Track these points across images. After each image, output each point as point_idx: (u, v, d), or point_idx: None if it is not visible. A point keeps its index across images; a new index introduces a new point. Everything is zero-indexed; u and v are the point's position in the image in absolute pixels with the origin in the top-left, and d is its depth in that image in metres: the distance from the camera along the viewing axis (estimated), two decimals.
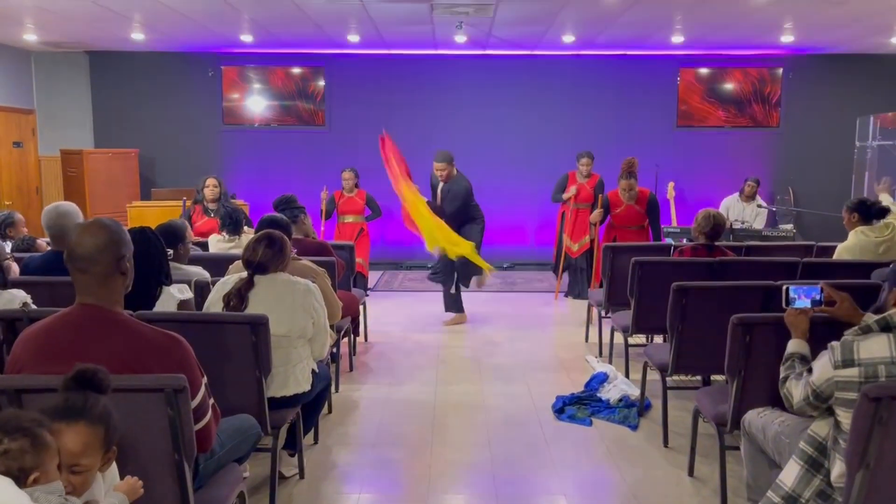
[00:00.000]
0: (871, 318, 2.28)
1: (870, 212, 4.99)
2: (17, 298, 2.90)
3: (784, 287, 2.68)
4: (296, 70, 9.62)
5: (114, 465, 1.88)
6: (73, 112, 9.62)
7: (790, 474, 2.30)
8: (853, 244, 5.00)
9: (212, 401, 2.25)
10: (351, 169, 7.76)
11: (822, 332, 2.65)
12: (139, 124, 9.56)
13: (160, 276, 2.95)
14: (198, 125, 9.59)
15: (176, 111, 9.56)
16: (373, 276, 8.92)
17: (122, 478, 1.94)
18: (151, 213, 7.29)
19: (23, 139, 9.27)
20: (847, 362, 2.17)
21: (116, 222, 2.17)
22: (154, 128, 9.56)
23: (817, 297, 2.66)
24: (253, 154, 9.65)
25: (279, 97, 9.66)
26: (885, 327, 2.19)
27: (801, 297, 2.66)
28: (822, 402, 2.25)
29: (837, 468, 2.18)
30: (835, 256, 5.13)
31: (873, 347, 2.16)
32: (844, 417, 2.16)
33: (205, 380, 2.20)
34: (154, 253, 2.92)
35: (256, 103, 9.65)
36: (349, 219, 7.69)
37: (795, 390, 2.35)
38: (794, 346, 2.56)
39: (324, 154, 9.63)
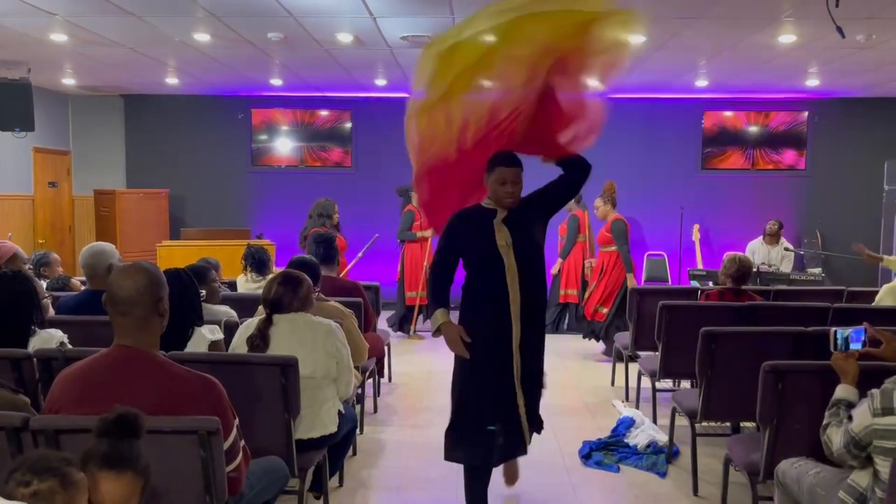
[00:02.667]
0: None
1: None
2: (54, 338, 2.96)
3: (832, 330, 2.65)
4: (323, 112, 9.81)
5: None
6: (107, 153, 9.88)
7: None
8: None
9: (243, 443, 2.27)
10: None
11: (873, 381, 2.60)
12: (170, 165, 9.78)
13: (193, 317, 2.99)
14: (227, 166, 9.79)
15: (206, 152, 9.77)
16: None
17: None
18: (181, 253, 7.41)
19: (58, 179, 9.52)
20: (886, 410, 2.14)
21: (154, 265, 2.22)
22: (184, 168, 9.77)
23: (864, 340, 2.63)
24: (280, 195, 9.80)
25: (306, 139, 9.84)
26: None
27: (849, 340, 2.63)
28: (860, 451, 2.22)
29: None
30: (879, 296, 5.06)
31: None
32: (883, 466, 2.12)
33: (237, 422, 2.22)
34: (188, 294, 2.97)
35: (284, 145, 9.84)
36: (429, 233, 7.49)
37: (835, 437, 2.32)
38: (842, 391, 2.52)
39: (351, 195, 9.73)
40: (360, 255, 7.43)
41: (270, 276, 5.00)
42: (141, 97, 9.72)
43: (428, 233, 7.51)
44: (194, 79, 8.45)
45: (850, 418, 2.30)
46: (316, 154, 9.87)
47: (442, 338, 3.27)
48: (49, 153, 9.30)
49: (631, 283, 6.57)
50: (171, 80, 8.54)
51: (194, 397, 2.09)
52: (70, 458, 1.64)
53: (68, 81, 8.67)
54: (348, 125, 9.80)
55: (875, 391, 2.20)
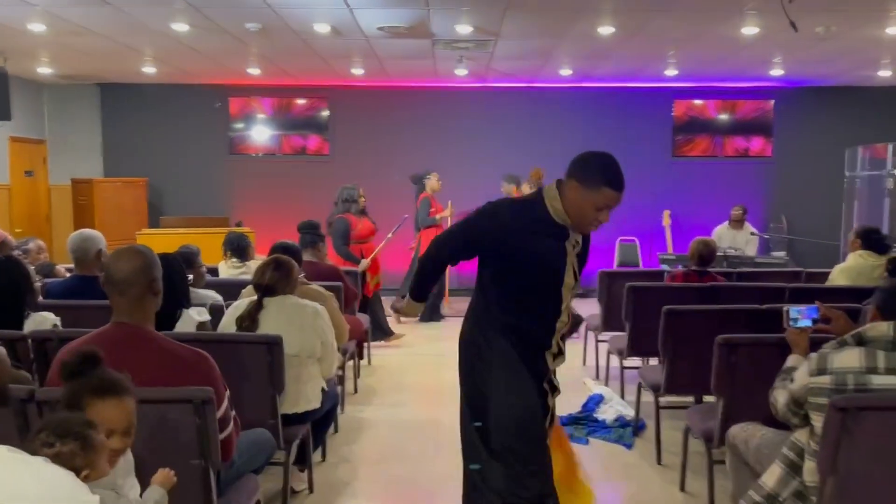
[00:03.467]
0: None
1: (873, 242, 5.12)
2: (47, 320, 3.09)
3: (785, 308, 2.87)
4: (300, 101, 9.90)
5: (129, 454, 1.99)
6: (83, 141, 9.90)
7: (772, 476, 2.48)
8: (851, 265, 5.17)
9: (233, 413, 2.43)
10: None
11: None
12: (147, 154, 9.83)
13: (182, 299, 3.14)
14: (205, 154, 9.86)
15: (183, 141, 9.83)
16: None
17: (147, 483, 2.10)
18: (161, 241, 7.49)
19: (34, 168, 9.52)
20: (821, 370, 2.37)
21: (148, 248, 2.37)
22: (162, 157, 9.82)
23: (816, 317, 2.85)
24: (258, 182, 9.90)
25: (284, 127, 9.94)
26: (860, 342, 2.37)
27: (802, 317, 2.85)
28: (799, 409, 2.44)
29: (809, 469, 2.36)
30: (831, 276, 5.31)
31: (845, 359, 2.35)
32: (817, 422, 2.34)
33: (227, 393, 2.39)
34: (176, 278, 3.11)
35: (262, 133, 9.93)
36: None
37: (780, 397, 2.54)
38: (792, 361, 2.74)
39: (328, 183, 9.84)
40: (388, 236, 7.50)
41: (258, 261, 5.17)
42: (117, 86, 9.74)
43: (447, 212, 7.83)
44: (172, 67, 8.50)
45: (792, 380, 2.52)
46: (293, 142, 9.97)
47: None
48: (24, 142, 9.31)
49: None
50: (148, 69, 8.58)
51: (188, 369, 2.25)
52: (91, 421, 1.78)
53: (44, 70, 8.68)
54: (325, 113, 9.91)
55: (813, 355, 2.43)
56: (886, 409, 2.23)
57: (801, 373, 2.44)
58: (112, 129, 9.88)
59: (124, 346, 2.23)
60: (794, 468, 2.45)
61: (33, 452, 1.60)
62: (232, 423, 2.40)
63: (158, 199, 9.87)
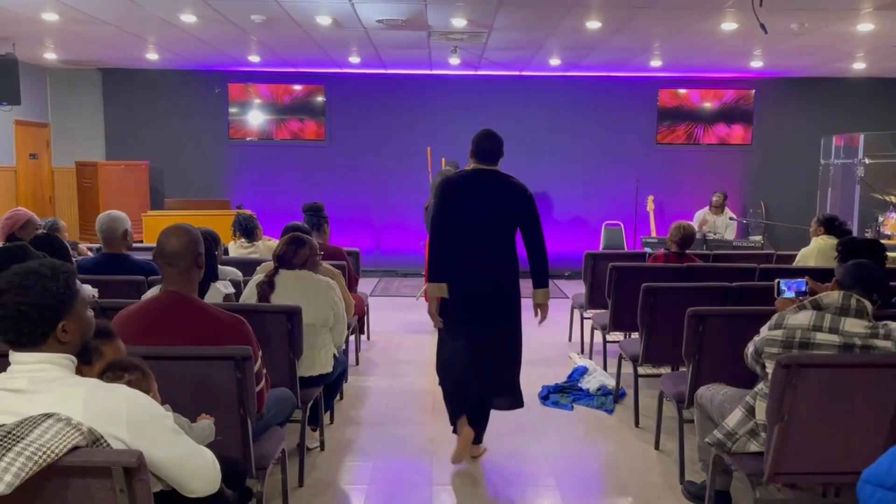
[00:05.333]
0: None
1: (834, 227, 5.59)
2: (86, 292, 3.42)
3: (776, 281, 3.26)
4: (298, 87, 10.19)
5: None
6: (86, 125, 10.15)
7: (733, 419, 2.90)
8: (813, 248, 5.61)
9: (265, 370, 2.80)
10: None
11: None
12: (149, 138, 10.10)
13: (210, 273, 3.49)
14: (205, 139, 10.15)
15: (184, 125, 10.11)
16: (370, 283, 9.49)
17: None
18: (165, 223, 7.76)
19: (38, 151, 9.78)
20: (777, 325, 2.81)
21: (193, 226, 2.72)
22: (163, 141, 10.10)
23: (803, 289, 3.24)
24: (257, 166, 10.21)
25: (282, 112, 10.23)
26: (816, 306, 2.79)
27: (790, 288, 3.24)
28: (759, 357, 2.87)
29: (761, 408, 2.78)
30: (798, 258, 5.75)
31: (799, 318, 2.77)
32: (769, 369, 2.76)
33: (260, 353, 2.75)
34: (209, 253, 3.46)
35: (260, 118, 10.22)
36: None
37: (749, 348, 2.97)
38: None
39: (324, 167, 10.21)
40: None
41: (264, 241, 5.54)
42: (118, 71, 9.99)
43: None
44: (174, 54, 8.77)
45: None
46: (290, 127, 10.27)
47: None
48: (29, 125, 9.56)
49: None
50: (151, 56, 8.84)
51: (229, 331, 2.61)
52: (142, 361, 2.15)
53: (49, 56, 8.92)
54: (322, 99, 10.21)
55: (777, 314, 2.86)
56: (823, 365, 2.63)
57: (763, 328, 2.86)
58: (114, 113, 10.14)
59: (174, 311, 2.59)
60: (751, 411, 2.87)
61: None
62: (264, 380, 2.77)
63: (160, 182, 10.16)
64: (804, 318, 2.77)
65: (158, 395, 2.17)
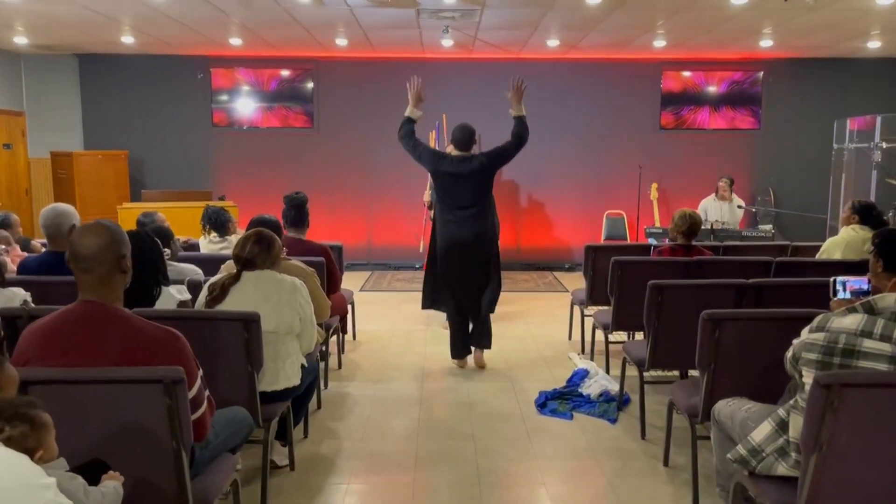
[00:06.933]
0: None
1: (871, 219, 5.06)
2: (17, 296, 3.01)
3: (831, 279, 2.81)
4: (284, 72, 9.73)
5: None
6: (63, 114, 9.70)
7: (761, 432, 2.48)
8: (842, 239, 5.14)
9: (207, 392, 2.38)
10: None
11: None
12: (129, 126, 9.65)
13: (158, 276, 3.07)
14: (187, 127, 9.69)
15: (166, 113, 9.66)
16: (361, 276, 9.06)
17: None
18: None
19: (13, 141, 9.33)
20: (819, 328, 2.37)
21: (115, 223, 2.29)
22: (144, 130, 9.65)
23: (865, 288, 2.79)
24: (242, 155, 9.76)
25: (268, 99, 9.78)
26: (869, 310, 2.35)
27: (843, 289, 2.80)
28: (796, 363, 2.44)
29: (794, 426, 2.35)
30: (822, 250, 5.29)
31: (846, 321, 2.34)
32: (807, 378, 2.33)
33: (200, 372, 2.33)
34: (150, 255, 3.04)
35: (245, 105, 9.76)
36: None
37: (788, 352, 2.53)
38: None
39: (312, 155, 9.76)
40: None
41: (240, 235, 5.07)
42: (96, 56, 9.53)
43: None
44: (151, 37, 8.31)
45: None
46: (278, 114, 9.81)
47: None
48: (3, 114, 9.11)
49: None
50: (127, 39, 8.38)
51: (158, 349, 2.18)
52: (35, 401, 1.73)
53: (20, 40, 8.46)
54: (310, 85, 9.75)
55: (820, 315, 2.42)
56: (870, 385, 2.20)
57: (804, 330, 2.43)
58: (92, 100, 9.68)
59: (91, 325, 2.17)
60: (782, 427, 2.45)
61: None
62: (206, 403, 2.35)
63: (140, 172, 9.72)
64: (852, 321, 2.32)
65: (54, 448, 1.74)
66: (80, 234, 2.20)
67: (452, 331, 5.29)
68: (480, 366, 5.29)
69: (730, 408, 2.84)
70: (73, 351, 2.13)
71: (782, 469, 2.44)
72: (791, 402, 2.47)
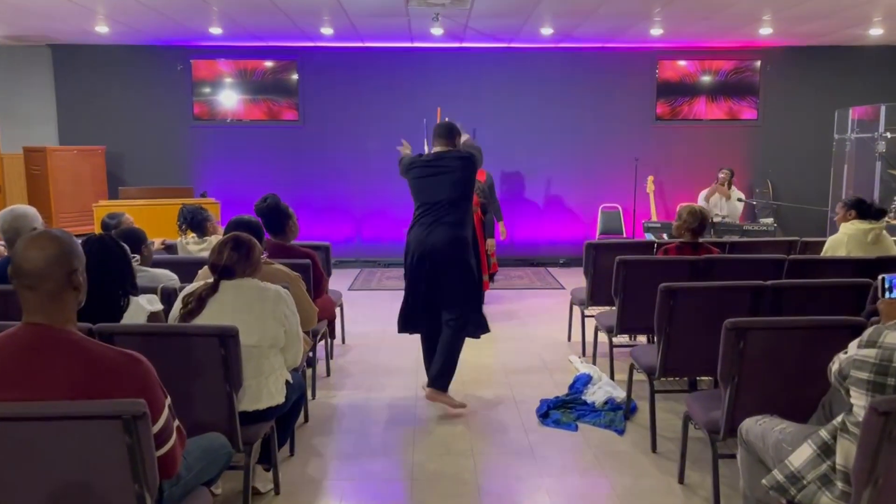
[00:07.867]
0: None
1: (868, 211, 4.96)
2: None
3: (880, 277, 2.53)
4: (268, 63, 9.38)
5: None
6: (37, 108, 9.31)
7: (801, 456, 2.24)
8: (843, 235, 4.98)
9: (176, 423, 2.08)
10: None
11: None
12: (106, 120, 9.27)
13: (125, 285, 2.76)
14: (167, 121, 9.33)
15: (144, 106, 9.29)
16: (350, 275, 8.76)
17: None
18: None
19: None
20: (870, 343, 2.12)
21: (66, 232, 1.98)
22: (122, 124, 9.28)
23: None
24: (225, 150, 9.41)
25: (251, 91, 9.42)
26: None
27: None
28: (843, 380, 2.18)
29: (842, 452, 2.10)
30: (825, 249, 5.07)
31: None
32: (856, 399, 2.09)
33: (168, 401, 2.03)
34: (116, 262, 2.73)
35: (228, 98, 9.41)
36: None
37: (833, 365, 2.28)
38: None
39: (298, 149, 9.43)
40: None
41: (217, 237, 4.73)
42: (71, 47, 9.13)
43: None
44: (127, 27, 7.94)
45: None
46: (262, 107, 9.47)
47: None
48: None
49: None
50: (101, 29, 8.01)
51: (116, 377, 1.88)
52: None
53: None
54: (295, 77, 9.41)
55: (871, 328, 2.16)
56: None
57: (853, 344, 2.17)
58: (66, 93, 9.29)
59: (37, 352, 1.86)
60: (826, 451, 2.20)
61: None
62: (175, 435, 2.05)
63: (118, 168, 9.34)
64: None
65: None
66: (25, 245, 1.89)
67: (424, 355, 4.53)
68: (430, 399, 4.32)
69: (760, 427, 2.58)
70: (16, 382, 1.83)
71: (826, 500, 2.18)
72: (836, 422, 2.21)
